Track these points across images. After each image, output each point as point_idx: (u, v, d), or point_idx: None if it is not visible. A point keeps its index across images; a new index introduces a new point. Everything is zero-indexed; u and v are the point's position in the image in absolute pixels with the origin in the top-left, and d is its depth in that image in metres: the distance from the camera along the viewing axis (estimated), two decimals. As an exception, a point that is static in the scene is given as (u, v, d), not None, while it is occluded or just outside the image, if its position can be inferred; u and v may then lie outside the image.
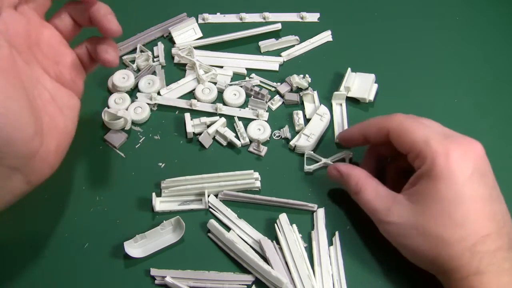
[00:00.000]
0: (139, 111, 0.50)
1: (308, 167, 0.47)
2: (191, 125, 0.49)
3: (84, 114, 0.50)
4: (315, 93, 0.51)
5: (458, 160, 0.36)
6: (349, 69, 0.52)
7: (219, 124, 0.48)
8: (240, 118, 0.50)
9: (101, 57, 0.41)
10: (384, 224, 0.38)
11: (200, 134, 0.49)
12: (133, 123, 0.50)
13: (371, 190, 0.40)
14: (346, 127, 0.49)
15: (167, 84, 0.52)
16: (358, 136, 0.43)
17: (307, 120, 0.50)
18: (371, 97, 0.51)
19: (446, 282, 0.37)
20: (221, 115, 0.50)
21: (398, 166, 0.44)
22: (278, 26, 0.56)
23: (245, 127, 0.49)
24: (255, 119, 0.50)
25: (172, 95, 0.52)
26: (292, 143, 0.48)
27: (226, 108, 0.50)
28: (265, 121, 0.50)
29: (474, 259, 0.35)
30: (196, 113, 0.50)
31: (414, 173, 0.38)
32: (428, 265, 0.38)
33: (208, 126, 0.49)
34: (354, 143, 0.45)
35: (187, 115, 0.49)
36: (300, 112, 0.50)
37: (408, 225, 0.37)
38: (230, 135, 0.48)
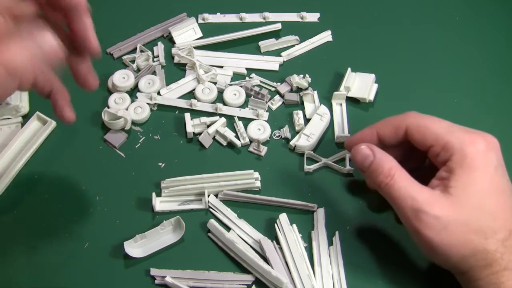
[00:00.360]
0: (139, 111, 0.50)
1: (308, 167, 0.47)
2: (191, 125, 0.49)
3: (84, 114, 0.51)
4: (315, 93, 0.51)
5: (485, 151, 0.36)
6: (349, 69, 0.52)
7: (219, 124, 0.48)
8: (240, 118, 0.50)
9: (83, 81, 0.39)
10: (424, 216, 0.35)
11: (200, 134, 0.49)
12: (133, 123, 0.50)
13: (406, 177, 0.37)
14: (346, 127, 0.49)
15: (167, 84, 0.52)
16: (371, 138, 0.41)
17: (307, 120, 0.50)
18: (371, 97, 0.51)
19: (471, 279, 0.36)
20: (221, 115, 0.50)
21: (409, 168, 0.43)
22: (278, 26, 0.56)
23: (245, 127, 0.49)
24: (255, 119, 0.50)
25: (172, 95, 0.52)
26: (292, 143, 0.48)
27: (226, 108, 0.50)
28: (265, 121, 0.50)
29: (505, 254, 0.35)
30: (196, 113, 0.50)
31: (432, 169, 0.38)
32: (457, 263, 0.36)
33: (208, 126, 0.49)
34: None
35: (187, 115, 0.49)
36: (300, 112, 0.50)
37: (450, 219, 0.35)
38: (230, 135, 0.48)
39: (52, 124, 0.49)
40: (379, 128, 0.41)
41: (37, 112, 0.50)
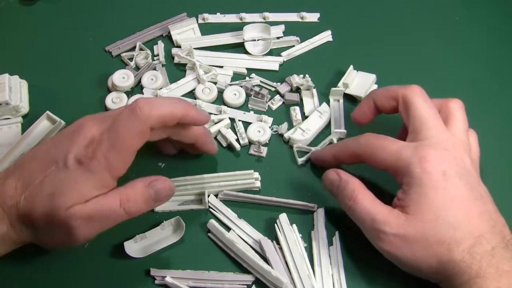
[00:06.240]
0: None
1: (301, 159, 0.47)
2: None
3: (83, 113, 0.50)
4: (314, 91, 0.51)
5: (434, 164, 0.37)
6: (351, 66, 0.52)
7: (223, 124, 0.48)
8: (243, 122, 0.50)
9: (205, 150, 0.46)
10: (383, 235, 0.37)
11: None
12: None
13: (368, 199, 0.39)
14: (343, 123, 0.50)
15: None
16: (331, 160, 0.44)
17: (306, 118, 0.50)
18: (367, 96, 0.51)
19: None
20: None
21: None
22: (281, 28, 0.56)
23: (245, 128, 0.49)
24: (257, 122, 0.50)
25: (172, 95, 0.52)
26: (286, 135, 0.48)
27: (230, 111, 0.50)
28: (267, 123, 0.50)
29: (474, 262, 0.35)
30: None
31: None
32: (430, 274, 0.37)
33: (216, 123, 0.49)
34: (328, 166, 0.44)
35: None
36: (297, 108, 0.50)
37: (408, 236, 0.36)
38: (231, 137, 0.48)
39: (62, 124, 0.49)
40: (336, 154, 0.44)
41: (47, 112, 0.49)
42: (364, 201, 0.39)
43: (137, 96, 0.51)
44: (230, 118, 0.50)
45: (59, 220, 0.36)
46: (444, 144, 0.38)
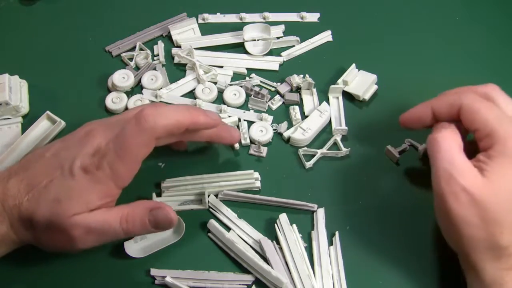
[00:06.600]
0: (139, 104, 0.50)
1: (309, 163, 0.47)
2: None
3: (83, 113, 0.51)
4: (314, 90, 0.51)
5: None
6: (353, 64, 0.52)
7: (230, 120, 0.49)
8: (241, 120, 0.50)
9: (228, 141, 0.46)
10: (454, 182, 0.36)
11: None
12: None
13: (456, 143, 0.38)
14: (343, 120, 0.50)
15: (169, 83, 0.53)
16: (427, 113, 0.42)
17: (305, 118, 0.50)
18: (366, 96, 0.51)
19: (475, 267, 0.36)
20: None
21: None
22: (281, 29, 0.56)
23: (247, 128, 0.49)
24: (258, 121, 0.50)
25: (172, 95, 0.52)
26: (286, 134, 0.48)
27: (230, 110, 0.50)
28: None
29: None
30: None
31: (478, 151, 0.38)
32: (465, 244, 0.36)
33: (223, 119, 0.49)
34: (421, 122, 0.42)
35: None
36: (297, 107, 0.50)
37: (477, 198, 0.35)
38: None
39: (62, 124, 0.49)
40: (434, 105, 0.41)
41: (47, 112, 0.49)
42: (452, 142, 0.38)
43: (137, 96, 0.51)
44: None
45: (61, 227, 0.36)
46: None
